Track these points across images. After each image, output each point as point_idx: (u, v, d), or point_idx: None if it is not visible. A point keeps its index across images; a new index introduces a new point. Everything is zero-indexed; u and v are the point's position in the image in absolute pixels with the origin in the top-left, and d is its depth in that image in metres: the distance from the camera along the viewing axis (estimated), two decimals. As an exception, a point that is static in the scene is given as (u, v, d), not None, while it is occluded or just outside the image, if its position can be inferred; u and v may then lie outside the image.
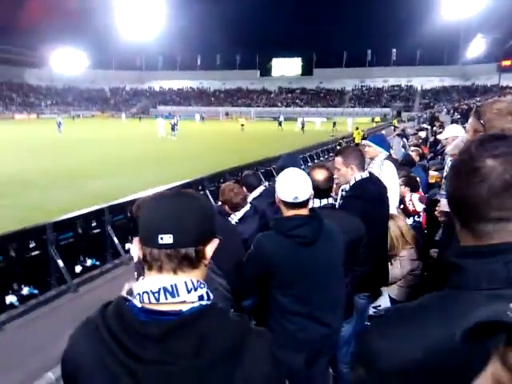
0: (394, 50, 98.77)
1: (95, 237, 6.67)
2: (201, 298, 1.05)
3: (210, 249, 1.09)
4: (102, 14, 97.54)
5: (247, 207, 3.64)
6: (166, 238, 1.03)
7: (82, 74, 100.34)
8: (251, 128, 46.96)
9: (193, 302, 1.03)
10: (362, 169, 3.24)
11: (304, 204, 2.36)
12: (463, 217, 0.90)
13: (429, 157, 11.31)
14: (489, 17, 64.41)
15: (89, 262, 6.42)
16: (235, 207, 3.62)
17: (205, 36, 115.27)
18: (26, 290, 5.32)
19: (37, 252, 5.65)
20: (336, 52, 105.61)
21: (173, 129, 33.42)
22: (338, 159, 3.26)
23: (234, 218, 3.62)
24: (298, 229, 2.32)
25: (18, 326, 4.98)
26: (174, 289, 1.02)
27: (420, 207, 4.68)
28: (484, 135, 1.00)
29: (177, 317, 1.00)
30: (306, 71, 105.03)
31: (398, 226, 3.77)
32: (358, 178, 3.17)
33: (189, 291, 1.03)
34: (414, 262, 3.79)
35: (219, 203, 3.72)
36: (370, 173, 3.33)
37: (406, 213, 4.62)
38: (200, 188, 9.98)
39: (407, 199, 4.70)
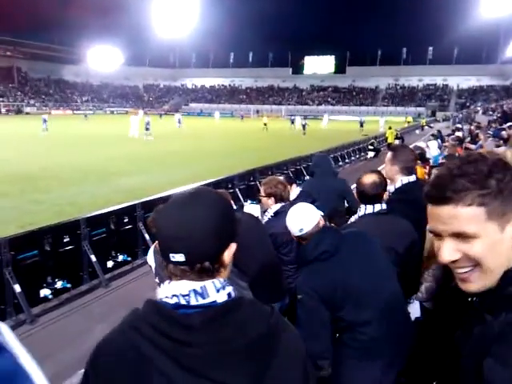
0: (430, 49, 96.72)
1: (127, 233, 6.76)
2: (229, 295, 1.07)
3: (227, 254, 1.09)
4: (137, 11, 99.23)
5: (278, 204, 3.62)
6: (178, 257, 1.03)
7: (117, 70, 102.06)
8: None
9: None
10: (409, 173, 3.12)
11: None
12: None
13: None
14: (531, 14, 62.20)
15: (120, 258, 6.51)
16: (282, 201, 3.62)
17: (237, 34, 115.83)
18: (59, 284, 5.44)
19: (71, 247, 5.77)
20: (370, 50, 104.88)
21: (147, 129, 30.09)
22: (388, 154, 3.17)
23: (270, 211, 3.62)
24: (319, 247, 2.31)
25: (50, 319, 5.10)
26: (203, 290, 1.04)
27: None
28: None
29: (213, 307, 1.03)
30: (339, 69, 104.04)
31: None
32: (405, 181, 3.06)
33: (218, 291, 1.05)
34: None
35: (261, 196, 3.68)
36: (417, 177, 3.22)
37: None
38: (230, 186, 10.00)
39: None
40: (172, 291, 1.05)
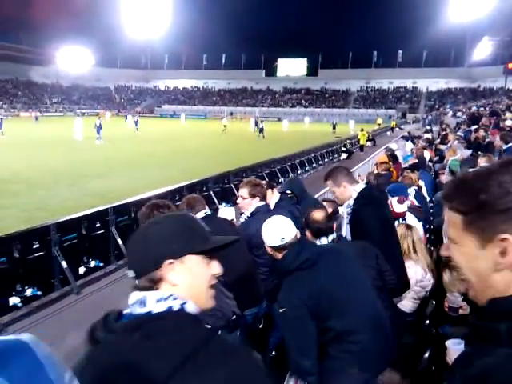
0: (400, 52, 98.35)
1: (99, 238, 6.64)
2: (169, 308, 1.10)
3: (166, 272, 1.14)
4: (108, 12, 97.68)
5: (261, 203, 3.63)
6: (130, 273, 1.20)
7: (88, 72, 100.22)
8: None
9: None
10: (354, 182, 3.26)
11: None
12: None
13: (434, 159, 11.24)
14: (496, 19, 63.79)
15: (92, 264, 6.39)
16: (264, 200, 3.81)
17: (210, 35, 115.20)
18: (29, 292, 5.30)
19: (40, 253, 5.63)
20: (341, 53, 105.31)
21: (98, 131, 28.16)
22: (329, 183, 3.31)
23: (247, 212, 3.66)
24: (301, 255, 2.31)
25: (20, 328, 4.95)
26: (144, 300, 1.11)
27: (400, 209, 4.58)
28: None
29: (140, 317, 1.08)
30: (311, 72, 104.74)
31: (412, 237, 3.73)
32: (359, 188, 3.16)
33: (157, 301, 1.10)
34: (418, 272, 3.71)
35: (243, 198, 3.71)
36: (367, 180, 3.35)
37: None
38: (204, 189, 9.95)
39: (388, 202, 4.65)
40: (128, 302, 1.14)
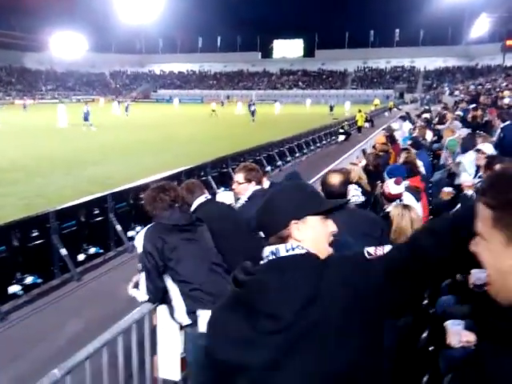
0: (397, 31, 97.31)
1: (98, 224, 6.65)
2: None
3: (292, 230, 1.36)
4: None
5: (257, 187, 3.62)
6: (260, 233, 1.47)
7: (82, 57, 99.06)
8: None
9: None
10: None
11: None
12: None
13: (433, 139, 11.19)
14: (494, -5, 63.00)
15: (92, 250, 6.40)
16: (260, 184, 3.79)
17: (205, 18, 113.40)
18: (29, 279, 5.32)
19: (40, 241, 5.64)
20: (338, 33, 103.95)
21: (86, 119, 27.73)
22: None
23: (244, 197, 3.64)
24: None
25: (22, 316, 4.99)
26: (277, 251, 1.35)
27: (396, 190, 4.58)
28: None
29: (272, 260, 1.34)
30: (308, 53, 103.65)
31: (410, 215, 3.73)
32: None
33: (287, 250, 1.34)
34: None
35: (239, 183, 3.68)
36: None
37: (386, 197, 4.57)
38: (202, 174, 9.93)
39: (384, 184, 4.66)
40: (263, 255, 1.39)
